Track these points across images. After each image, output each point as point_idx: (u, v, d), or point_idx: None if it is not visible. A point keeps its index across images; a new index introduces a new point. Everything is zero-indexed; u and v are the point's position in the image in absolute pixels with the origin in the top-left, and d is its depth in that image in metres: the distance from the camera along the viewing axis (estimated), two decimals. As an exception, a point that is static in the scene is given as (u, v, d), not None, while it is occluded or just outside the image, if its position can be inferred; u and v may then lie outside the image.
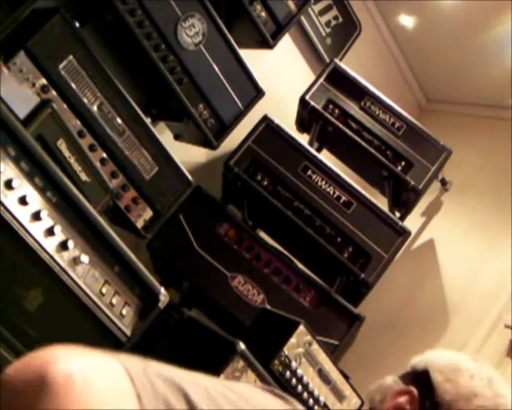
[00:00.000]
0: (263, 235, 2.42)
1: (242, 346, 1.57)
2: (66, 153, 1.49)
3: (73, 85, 1.68)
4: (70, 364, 0.49)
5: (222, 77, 1.99)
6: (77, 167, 1.52)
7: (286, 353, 1.77)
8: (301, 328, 1.82)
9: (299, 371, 1.80)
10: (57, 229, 1.25)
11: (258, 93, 2.07)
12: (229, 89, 2.01)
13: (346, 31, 3.16)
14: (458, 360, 0.88)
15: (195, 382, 0.57)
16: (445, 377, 0.84)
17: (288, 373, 1.77)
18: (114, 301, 1.35)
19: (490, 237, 2.74)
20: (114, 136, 1.76)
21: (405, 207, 2.51)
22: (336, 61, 2.65)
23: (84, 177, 1.54)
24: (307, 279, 2.21)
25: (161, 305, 1.43)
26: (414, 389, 0.85)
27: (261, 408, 0.63)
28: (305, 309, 2.15)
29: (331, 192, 2.30)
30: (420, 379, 0.86)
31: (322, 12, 3.08)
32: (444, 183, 2.85)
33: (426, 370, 0.86)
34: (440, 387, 0.83)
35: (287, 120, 2.51)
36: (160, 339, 1.67)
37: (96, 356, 0.53)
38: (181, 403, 0.53)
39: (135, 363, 0.54)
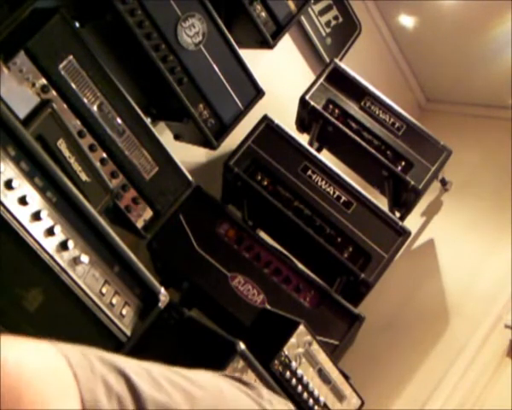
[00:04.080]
0: (263, 235, 2.42)
1: (242, 346, 1.57)
2: (66, 153, 1.49)
3: (73, 85, 1.68)
4: (2, 350, 0.49)
5: (222, 77, 1.99)
6: (77, 167, 1.52)
7: (286, 353, 1.77)
8: (301, 328, 1.82)
9: (299, 371, 1.80)
10: (57, 229, 1.25)
11: (258, 93, 2.07)
12: (229, 89, 2.01)
13: (346, 31, 3.16)
14: None
15: (138, 365, 0.57)
16: None
17: (288, 373, 1.77)
18: (114, 301, 1.35)
19: (490, 237, 2.74)
20: (114, 136, 1.76)
21: (405, 207, 2.51)
22: (336, 61, 2.65)
23: (84, 177, 1.54)
24: (307, 279, 2.21)
25: (161, 305, 1.43)
26: None
27: (217, 396, 0.62)
28: (305, 309, 2.15)
29: (331, 192, 2.30)
30: None
31: (322, 12, 3.08)
32: (444, 183, 2.85)
33: None
34: None
35: (287, 120, 2.51)
36: (160, 339, 1.67)
37: (30, 341, 0.53)
38: (120, 383, 0.52)
39: (72, 347, 0.54)
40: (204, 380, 0.63)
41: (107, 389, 0.51)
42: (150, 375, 0.56)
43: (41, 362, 0.50)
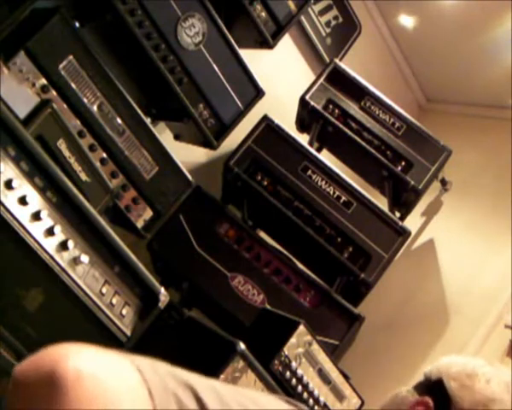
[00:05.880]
0: (263, 235, 2.42)
1: (242, 346, 1.57)
2: (66, 153, 1.49)
3: (73, 85, 1.68)
4: (79, 361, 0.48)
5: (222, 77, 1.99)
6: (77, 167, 1.52)
7: (286, 353, 1.77)
8: (301, 328, 1.82)
9: (299, 371, 1.80)
10: (57, 229, 1.25)
11: (258, 93, 2.07)
12: (229, 89, 2.01)
13: (346, 31, 3.16)
14: (474, 365, 0.86)
15: (206, 383, 0.57)
16: (461, 383, 0.83)
17: (288, 373, 1.77)
18: (114, 301, 1.35)
19: (490, 237, 2.74)
20: (114, 136, 1.76)
21: (405, 207, 2.51)
22: (336, 61, 2.65)
23: (84, 177, 1.54)
24: (307, 279, 2.21)
25: (161, 305, 1.43)
26: (429, 400, 0.83)
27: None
28: (305, 309, 2.15)
29: (331, 192, 2.30)
30: (434, 389, 0.84)
31: (323, 12, 3.08)
32: (444, 183, 2.85)
33: (440, 379, 0.84)
34: (456, 395, 0.82)
35: (287, 120, 2.51)
36: (160, 339, 1.67)
37: (105, 353, 0.52)
38: (191, 401, 0.52)
39: (144, 361, 0.53)
40: (266, 401, 0.64)
41: (179, 405, 0.51)
42: (216, 392, 0.56)
43: (117, 377, 0.49)
